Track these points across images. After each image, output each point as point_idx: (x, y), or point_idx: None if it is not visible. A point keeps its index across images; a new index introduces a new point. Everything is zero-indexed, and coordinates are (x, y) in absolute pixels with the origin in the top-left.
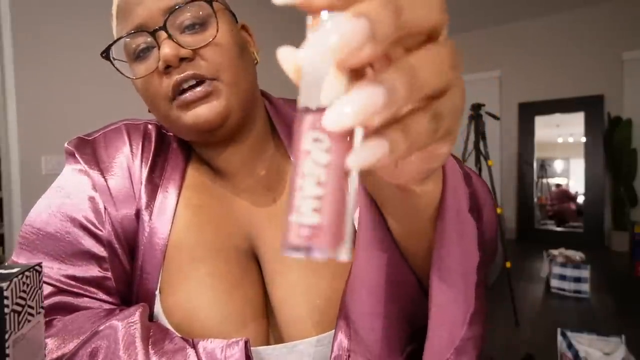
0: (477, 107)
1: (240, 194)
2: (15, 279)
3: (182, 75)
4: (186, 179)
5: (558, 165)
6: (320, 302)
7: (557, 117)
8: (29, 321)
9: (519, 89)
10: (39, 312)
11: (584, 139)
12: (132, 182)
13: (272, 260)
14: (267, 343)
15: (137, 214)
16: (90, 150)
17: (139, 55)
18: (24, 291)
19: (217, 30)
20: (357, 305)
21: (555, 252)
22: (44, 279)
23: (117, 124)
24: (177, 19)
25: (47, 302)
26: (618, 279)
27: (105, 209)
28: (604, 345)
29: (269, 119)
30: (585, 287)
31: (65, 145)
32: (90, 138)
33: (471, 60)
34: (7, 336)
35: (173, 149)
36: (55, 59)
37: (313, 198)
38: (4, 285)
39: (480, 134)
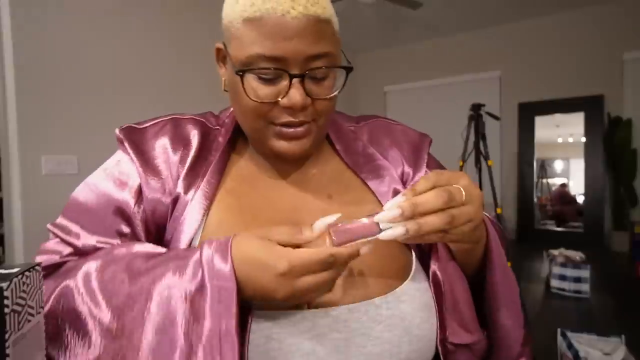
0: (477, 107)
1: (286, 184)
2: (15, 279)
3: (295, 120)
4: (228, 171)
5: (558, 165)
6: (360, 270)
7: (557, 117)
8: (29, 321)
9: (519, 89)
10: (39, 312)
11: (584, 139)
12: (171, 172)
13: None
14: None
15: (174, 202)
16: (137, 138)
17: (261, 76)
18: (24, 291)
19: (339, 89)
20: (460, 293)
21: (555, 252)
22: (72, 241)
23: (166, 117)
24: (312, 67)
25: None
26: (618, 279)
27: (143, 195)
28: (604, 345)
29: None
30: (586, 287)
31: (116, 131)
32: (139, 127)
33: (471, 60)
34: (7, 336)
35: (218, 142)
36: (55, 58)
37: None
38: (4, 285)
39: (480, 134)
